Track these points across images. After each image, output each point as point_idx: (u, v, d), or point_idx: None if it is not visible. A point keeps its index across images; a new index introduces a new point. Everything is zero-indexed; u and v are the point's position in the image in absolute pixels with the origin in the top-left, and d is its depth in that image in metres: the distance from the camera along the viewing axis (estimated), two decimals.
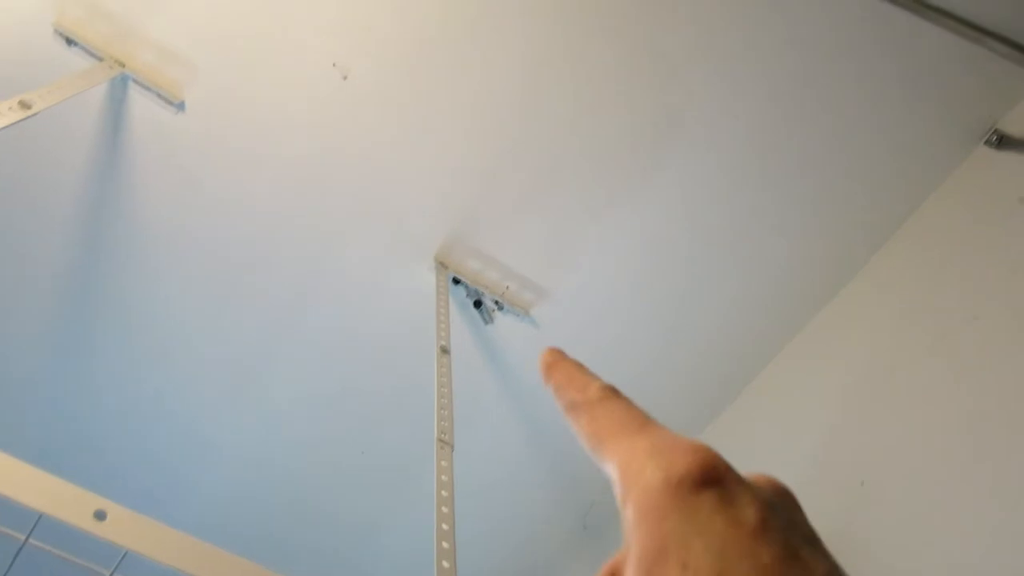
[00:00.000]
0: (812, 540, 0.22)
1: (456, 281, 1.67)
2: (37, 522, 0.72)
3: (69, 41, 1.37)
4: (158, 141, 1.47)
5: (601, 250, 1.67)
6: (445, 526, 1.00)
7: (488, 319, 1.70)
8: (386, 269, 1.64)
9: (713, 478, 0.22)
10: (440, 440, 1.13)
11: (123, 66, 1.38)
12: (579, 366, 0.29)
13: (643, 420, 0.25)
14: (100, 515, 0.70)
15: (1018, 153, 1.62)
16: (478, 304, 1.69)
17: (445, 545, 0.97)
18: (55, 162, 1.47)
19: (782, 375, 1.78)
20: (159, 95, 1.41)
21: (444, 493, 1.05)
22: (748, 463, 0.25)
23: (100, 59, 1.37)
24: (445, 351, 1.35)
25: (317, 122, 1.49)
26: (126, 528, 0.71)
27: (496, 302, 1.71)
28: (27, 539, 0.72)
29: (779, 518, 0.21)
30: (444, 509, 1.02)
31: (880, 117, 1.57)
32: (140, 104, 1.43)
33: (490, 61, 1.47)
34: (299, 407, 1.74)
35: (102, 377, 1.65)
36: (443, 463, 1.10)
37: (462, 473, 1.77)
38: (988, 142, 1.66)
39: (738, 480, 0.22)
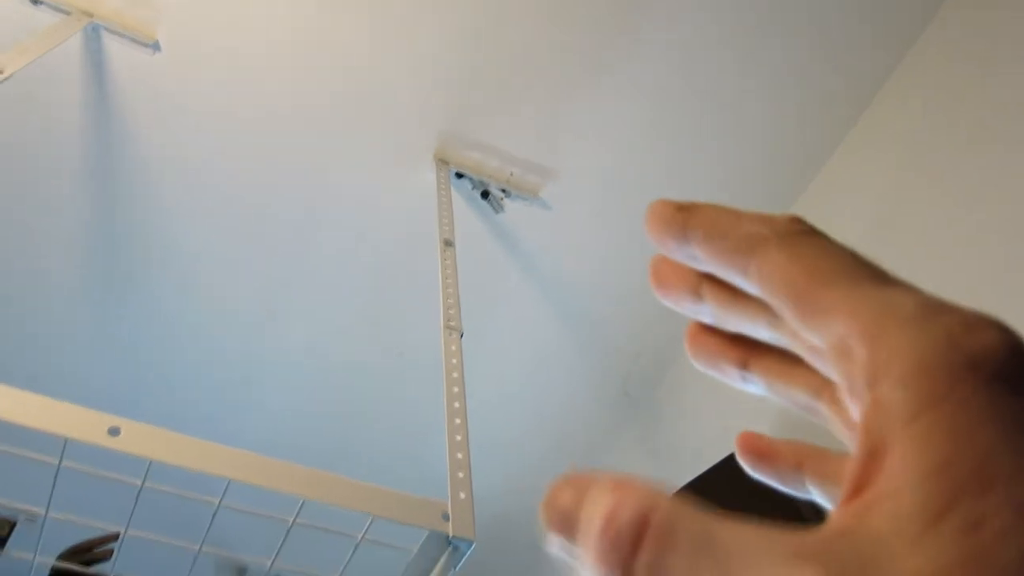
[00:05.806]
0: None
1: (460, 175, 1.68)
2: (65, 446, 0.79)
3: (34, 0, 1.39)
4: (144, 83, 1.49)
5: (603, 119, 1.64)
6: (457, 404, 1.05)
7: (498, 208, 1.71)
8: (391, 175, 1.66)
9: None
10: (448, 327, 1.17)
11: (91, 16, 1.40)
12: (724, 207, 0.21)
13: (875, 267, 0.18)
14: (114, 431, 0.77)
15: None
16: (485, 195, 1.70)
17: (457, 421, 1.02)
18: (51, 118, 1.52)
19: None
20: (132, 39, 1.43)
21: (455, 375, 1.09)
22: None
23: (67, 13, 1.38)
24: (449, 244, 1.37)
25: (293, 33, 1.49)
26: (140, 440, 0.77)
27: (503, 190, 1.71)
28: (60, 462, 0.80)
29: None
30: (455, 389, 1.07)
31: None
32: (118, 50, 1.45)
33: None
34: (332, 321, 1.81)
35: (140, 315, 1.75)
36: (452, 347, 1.14)
37: (493, 361, 1.83)
38: None
39: None
